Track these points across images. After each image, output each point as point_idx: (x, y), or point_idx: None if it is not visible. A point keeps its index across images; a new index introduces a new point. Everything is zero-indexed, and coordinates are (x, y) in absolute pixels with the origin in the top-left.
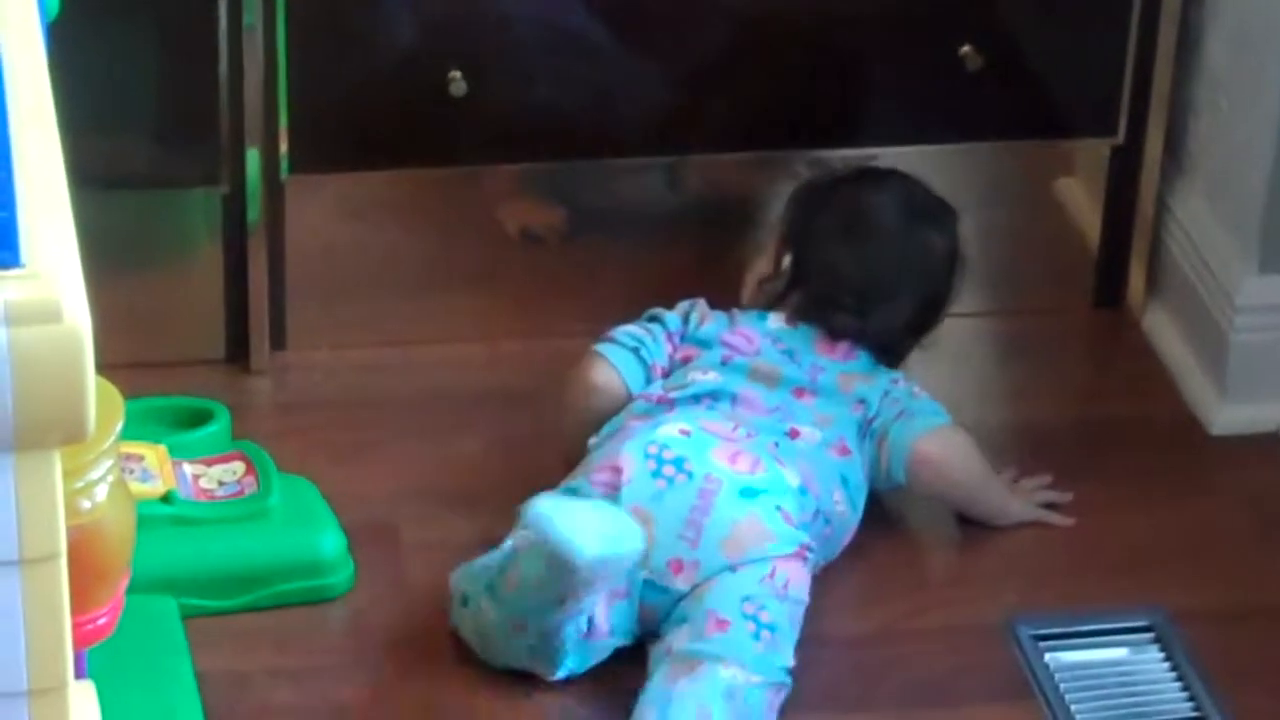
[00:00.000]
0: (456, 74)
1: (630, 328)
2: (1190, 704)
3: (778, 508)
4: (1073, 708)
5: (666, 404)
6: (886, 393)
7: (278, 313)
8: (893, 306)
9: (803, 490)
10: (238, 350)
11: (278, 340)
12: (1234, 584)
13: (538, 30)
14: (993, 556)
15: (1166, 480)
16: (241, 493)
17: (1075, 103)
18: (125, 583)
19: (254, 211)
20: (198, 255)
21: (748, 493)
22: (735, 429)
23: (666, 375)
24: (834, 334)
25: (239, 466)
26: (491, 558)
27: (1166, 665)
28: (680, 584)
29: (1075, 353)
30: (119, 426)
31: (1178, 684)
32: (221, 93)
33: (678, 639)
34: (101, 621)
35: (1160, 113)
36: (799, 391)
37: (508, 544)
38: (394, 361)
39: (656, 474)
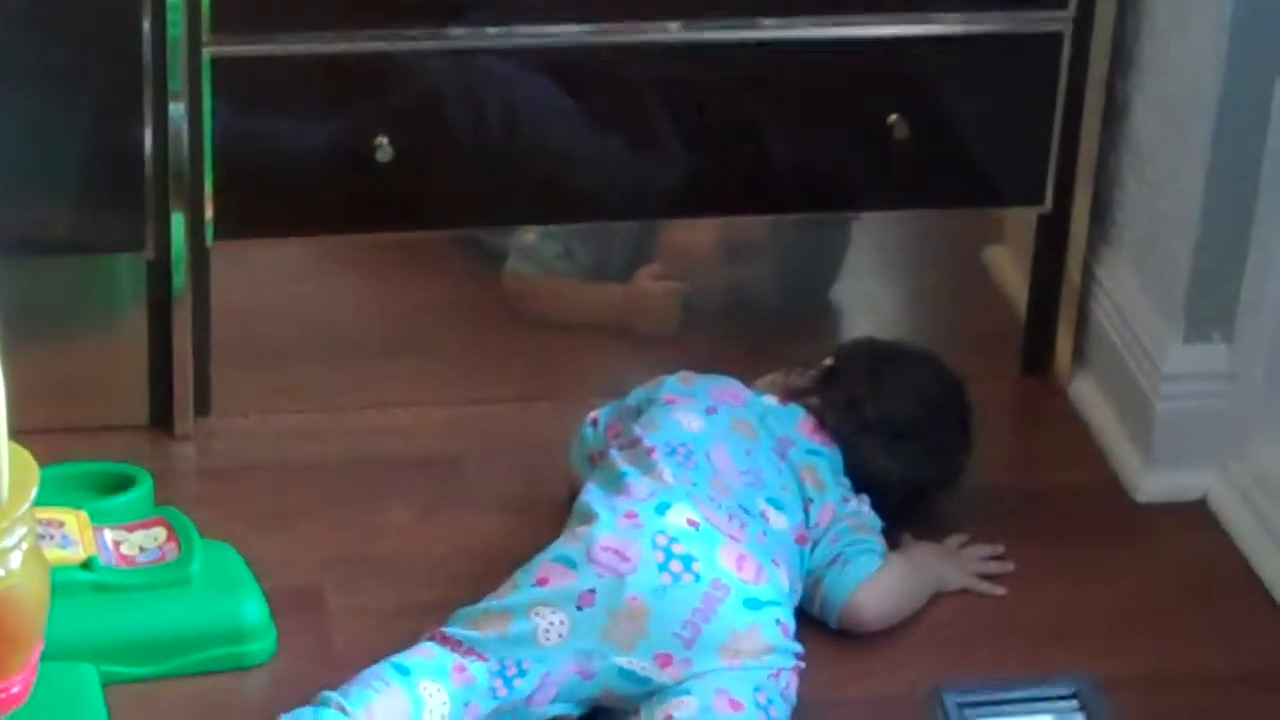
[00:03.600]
0: (382, 140)
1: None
2: None
3: (777, 621)
4: None
5: (645, 451)
6: (835, 513)
7: (202, 378)
8: (889, 446)
9: (791, 592)
10: (162, 416)
11: (202, 406)
12: (1159, 652)
13: (462, 97)
14: (919, 624)
15: (1092, 548)
16: (163, 559)
17: (1002, 171)
18: (38, 651)
19: (179, 277)
20: (122, 321)
21: (752, 603)
22: (730, 520)
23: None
24: (823, 421)
25: (160, 533)
26: None
27: None
28: (666, 677)
29: (1002, 420)
30: (33, 493)
31: None
32: (146, 159)
33: (680, 708)
34: (14, 690)
35: (1087, 182)
36: (765, 459)
37: None
38: (319, 428)
39: (663, 567)
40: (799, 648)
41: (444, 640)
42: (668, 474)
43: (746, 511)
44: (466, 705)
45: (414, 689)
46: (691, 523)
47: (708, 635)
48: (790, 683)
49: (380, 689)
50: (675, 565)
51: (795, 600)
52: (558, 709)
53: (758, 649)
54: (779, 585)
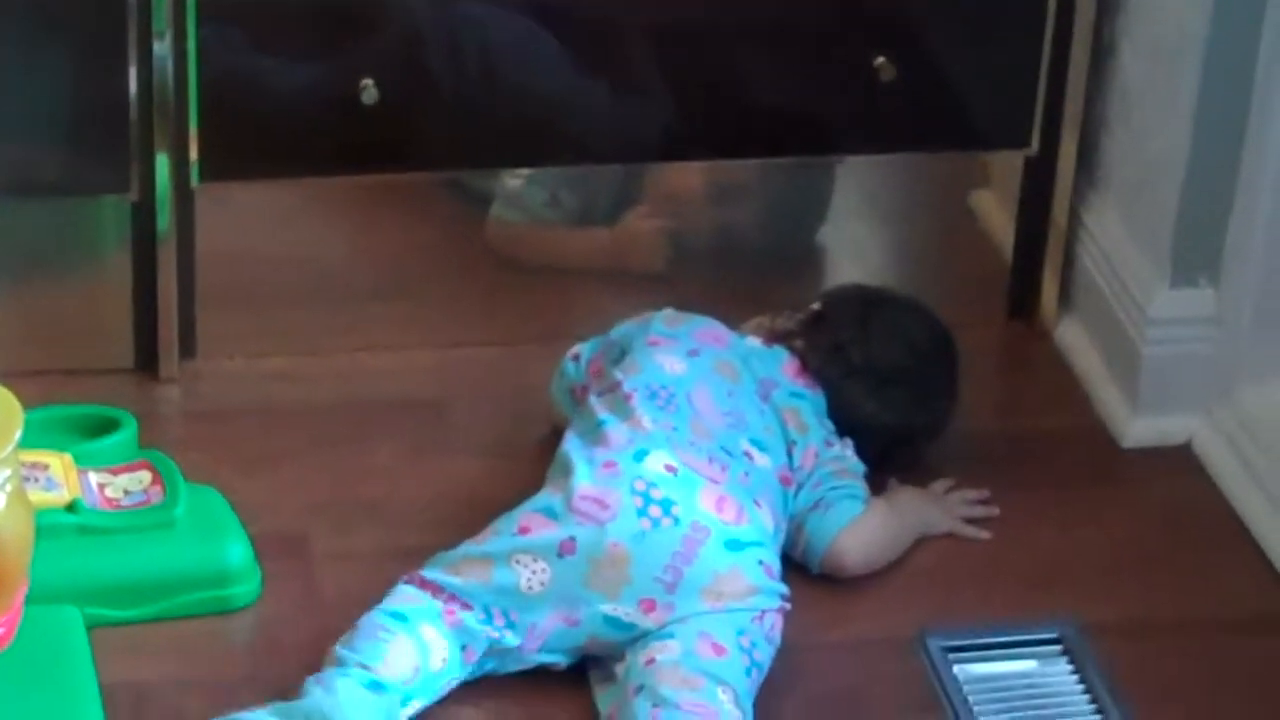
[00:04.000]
0: (368, 82)
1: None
2: (1098, 717)
3: (760, 561)
4: (980, 719)
5: (624, 396)
6: (818, 456)
7: (188, 321)
8: (875, 392)
9: (776, 532)
10: (147, 359)
11: (188, 349)
12: (1143, 597)
13: (449, 39)
14: (904, 568)
15: (1077, 492)
16: (147, 502)
17: (989, 114)
18: (23, 592)
19: (164, 219)
20: (107, 263)
21: (733, 545)
22: (711, 463)
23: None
24: (806, 364)
25: (145, 475)
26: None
27: (1075, 678)
28: (650, 622)
29: (988, 364)
30: (17, 435)
31: (1085, 696)
32: (131, 99)
33: (663, 651)
34: None
35: (1073, 125)
36: (747, 401)
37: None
38: (305, 371)
39: (642, 513)
40: (784, 589)
41: (423, 584)
42: (646, 420)
43: (729, 453)
44: (463, 649)
45: (417, 634)
46: (670, 468)
47: (690, 578)
48: (775, 625)
49: (387, 638)
50: (654, 510)
51: (780, 541)
52: (546, 657)
53: (741, 590)
54: (762, 526)
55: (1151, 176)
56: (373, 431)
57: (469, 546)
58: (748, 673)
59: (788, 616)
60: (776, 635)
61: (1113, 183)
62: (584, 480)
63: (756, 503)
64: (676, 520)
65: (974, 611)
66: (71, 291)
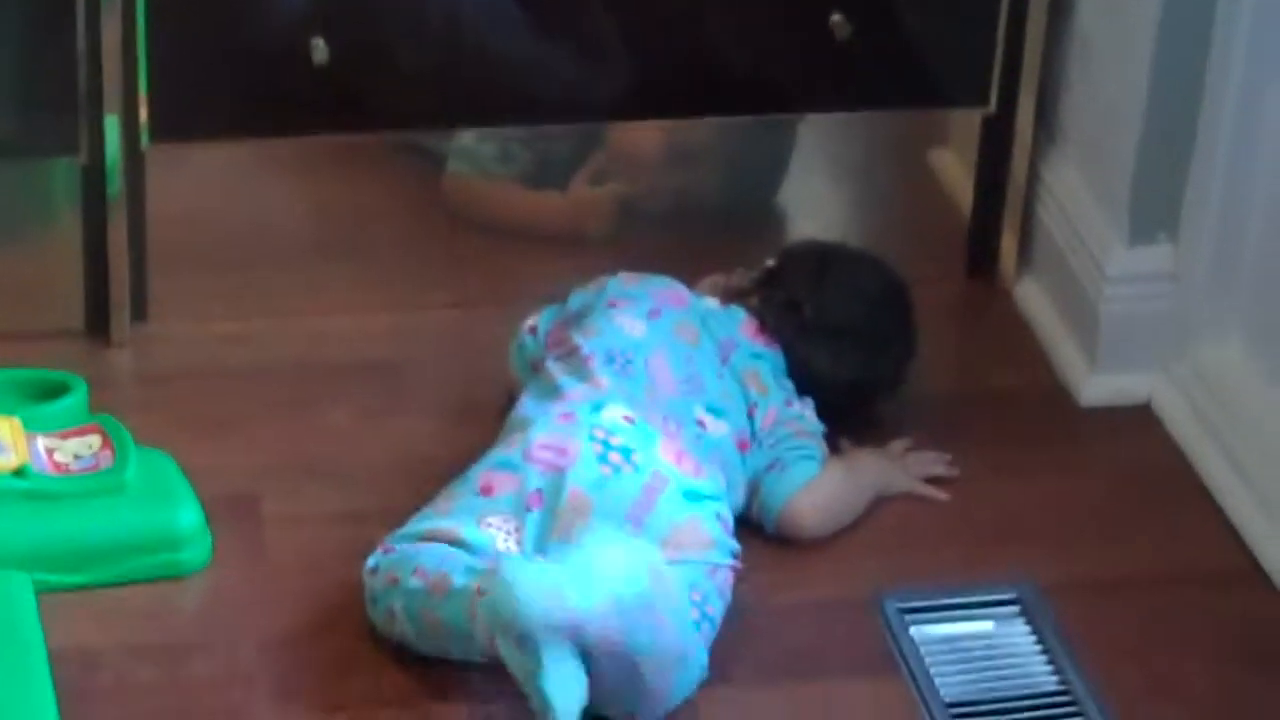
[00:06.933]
0: (319, 41)
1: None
2: (1055, 677)
3: (717, 514)
4: (937, 681)
5: (583, 359)
6: (778, 416)
7: (139, 284)
8: (829, 347)
9: (729, 490)
10: (98, 322)
11: (139, 312)
12: (1101, 556)
13: None
14: (860, 529)
15: (1035, 451)
16: (97, 466)
17: (947, 72)
18: None
19: (114, 181)
20: (57, 225)
21: (692, 495)
22: (665, 422)
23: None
24: (764, 322)
25: (95, 440)
26: (411, 578)
27: (1032, 639)
28: None
29: (947, 322)
30: None
31: (1043, 657)
32: (79, 60)
33: None
34: None
35: (1031, 83)
36: (707, 365)
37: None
38: (257, 333)
39: (603, 459)
40: (737, 546)
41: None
42: (605, 381)
43: (680, 419)
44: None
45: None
46: (628, 419)
47: (650, 526)
48: (727, 579)
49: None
50: (614, 456)
51: (734, 502)
52: None
53: (699, 542)
54: (716, 483)
55: (1109, 132)
56: (326, 394)
57: (435, 519)
58: (697, 626)
59: (742, 576)
60: (728, 591)
61: (1071, 139)
62: (541, 430)
63: (710, 460)
64: (637, 468)
65: (931, 572)
66: (21, 254)
